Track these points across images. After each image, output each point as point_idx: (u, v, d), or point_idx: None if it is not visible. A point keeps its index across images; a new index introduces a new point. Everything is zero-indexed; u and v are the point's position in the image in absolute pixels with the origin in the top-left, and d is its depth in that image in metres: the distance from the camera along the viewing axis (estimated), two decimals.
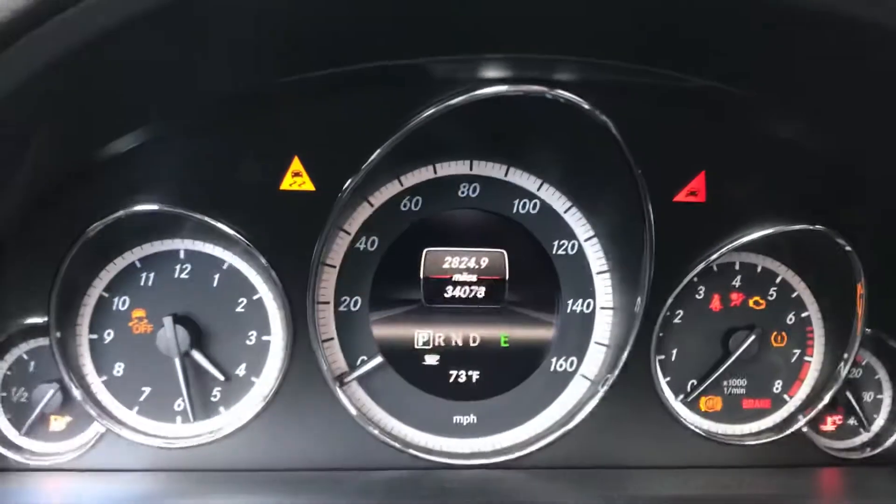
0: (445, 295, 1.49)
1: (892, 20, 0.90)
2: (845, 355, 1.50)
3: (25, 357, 1.39)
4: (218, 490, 1.30)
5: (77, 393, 1.36)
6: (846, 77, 1.14)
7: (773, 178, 1.38)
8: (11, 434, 1.40)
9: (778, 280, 1.53)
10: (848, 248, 1.42)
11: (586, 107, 1.25)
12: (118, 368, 1.41)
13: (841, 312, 1.51)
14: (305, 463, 1.40)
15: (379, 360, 1.44)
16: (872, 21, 0.91)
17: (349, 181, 1.31)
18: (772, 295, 1.53)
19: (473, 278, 1.49)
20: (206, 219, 1.32)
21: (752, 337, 1.48)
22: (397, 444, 1.42)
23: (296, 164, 1.31)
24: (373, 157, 1.29)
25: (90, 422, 1.39)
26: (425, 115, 1.26)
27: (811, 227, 1.40)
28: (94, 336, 1.41)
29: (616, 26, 1.12)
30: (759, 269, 1.52)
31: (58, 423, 1.41)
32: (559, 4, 1.05)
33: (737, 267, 1.51)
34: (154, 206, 1.30)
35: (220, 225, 1.32)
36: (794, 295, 1.53)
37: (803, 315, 1.54)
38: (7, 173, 1.14)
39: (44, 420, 1.40)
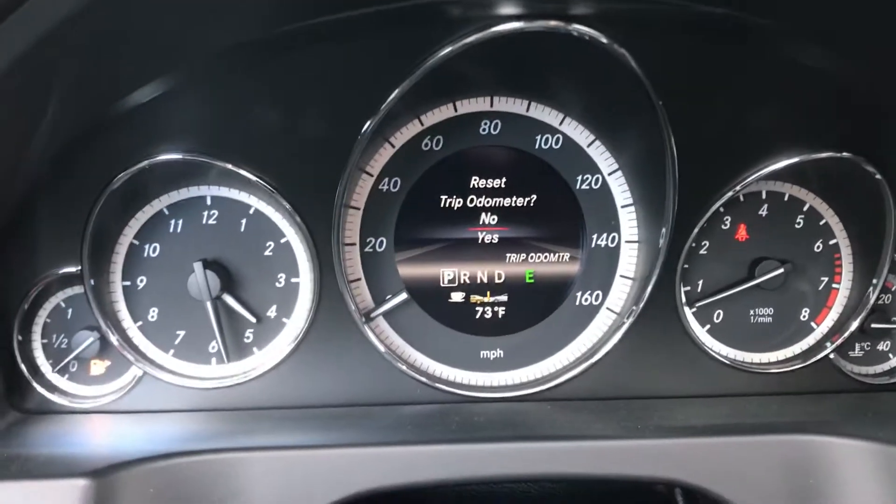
0: (469, 233, 1.50)
1: None
2: (874, 281, 1.49)
3: (63, 305, 1.44)
4: (253, 428, 1.34)
5: (114, 338, 1.40)
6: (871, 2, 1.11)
7: (798, 105, 1.35)
8: (54, 378, 1.45)
9: (805, 208, 1.51)
10: (877, 176, 1.40)
11: (604, 40, 1.23)
12: (152, 313, 1.45)
13: (869, 239, 1.50)
14: (336, 399, 1.44)
15: (404, 295, 1.46)
16: None
17: (369, 122, 1.31)
18: (799, 223, 1.52)
19: (497, 216, 1.50)
20: (230, 166, 1.33)
21: (780, 270, 1.48)
22: (425, 379, 1.45)
23: None
24: (391, 97, 1.29)
25: (128, 366, 1.44)
26: (443, 53, 1.24)
27: (838, 155, 1.38)
28: (128, 283, 1.44)
29: None
30: (786, 198, 1.51)
31: (97, 367, 1.46)
32: None
33: (763, 196, 1.50)
34: (178, 155, 1.32)
35: (243, 171, 1.34)
36: (821, 223, 1.52)
37: (831, 242, 1.53)
38: (33, 124, 1.16)
39: (84, 365, 1.46)
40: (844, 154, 1.38)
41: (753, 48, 1.26)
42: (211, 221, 1.44)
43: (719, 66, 1.29)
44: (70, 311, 1.44)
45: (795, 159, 1.38)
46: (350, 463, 1.18)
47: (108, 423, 1.38)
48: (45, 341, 1.44)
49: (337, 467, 1.18)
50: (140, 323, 1.45)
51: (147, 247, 1.44)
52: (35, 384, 1.42)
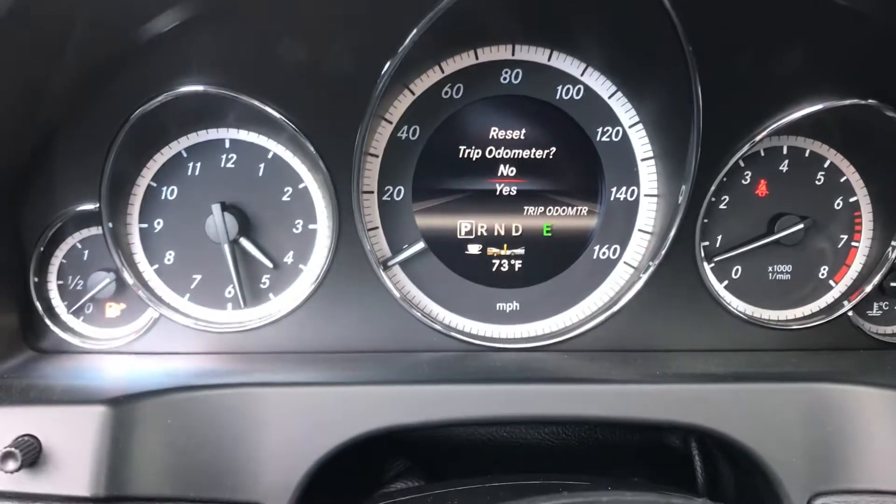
0: (487, 185, 1.49)
1: None
2: (893, 241, 1.49)
3: (79, 246, 1.44)
4: (269, 367, 1.34)
5: (130, 280, 1.40)
6: None
7: (826, 49, 1.33)
8: (69, 319, 1.45)
9: (826, 164, 1.50)
10: None
11: None
12: (169, 257, 1.45)
13: (890, 197, 1.49)
14: (352, 345, 1.43)
15: (421, 244, 1.45)
16: None
17: (388, 64, 1.30)
18: (819, 179, 1.51)
19: (516, 168, 1.49)
20: (252, 101, 1.32)
21: (800, 225, 1.47)
22: (440, 328, 1.45)
23: None
24: (409, 38, 1.28)
25: (144, 308, 1.44)
26: None
27: (863, 102, 1.37)
28: (145, 225, 1.44)
29: None
30: (806, 154, 1.50)
31: (113, 309, 1.46)
32: None
33: (784, 151, 1.49)
34: (198, 88, 1.31)
35: (265, 108, 1.33)
36: (842, 179, 1.51)
37: (851, 200, 1.52)
38: (52, 55, 1.16)
39: (100, 306, 1.45)
40: (870, 101, 1.36)
41: None
42: (229, 165, 1.43)
43: (749, 5, 1.27)
44: (86, 252, 1.44)
45: (819, 106, 1.36)
46: (366, 400, 1.18)
47: (125, 361, 1.38)
48: (60, 282, 1.44)
49: (353, 404, 1.17)
50: (156, 266, 1.45)
51: (165, 189, 1.43)
52: (50, 324, 1.42)
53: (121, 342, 1.43)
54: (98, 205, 1.35)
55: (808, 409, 1.20)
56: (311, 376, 1.27)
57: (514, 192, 1.50)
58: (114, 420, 1.07)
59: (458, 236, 1.51)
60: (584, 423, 1.38)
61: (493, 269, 1.52)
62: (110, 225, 1.38)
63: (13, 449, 0.99)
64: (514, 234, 1.51)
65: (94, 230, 1.42)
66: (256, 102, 1.32)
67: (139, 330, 1.43)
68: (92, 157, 1.34)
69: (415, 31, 1.28)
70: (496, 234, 1.51)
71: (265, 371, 1.31)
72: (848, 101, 1.36)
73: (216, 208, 1.39)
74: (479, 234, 1.51)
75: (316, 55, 1.30)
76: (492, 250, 1.52)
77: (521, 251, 1.52)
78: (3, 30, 1.01)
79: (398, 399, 1.18)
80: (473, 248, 1.52)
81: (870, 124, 1.40)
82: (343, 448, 1.15)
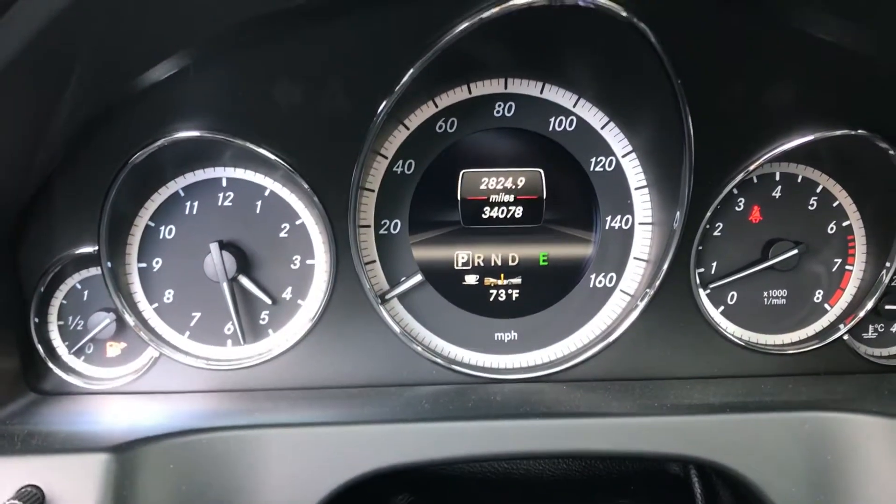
0: (483, 216, 1.50)
1: None
2: (887, 263, 1.49)
3: (79, 287, 1.45)
4: (270, 406, 1.34)
5: (130, 320, 1.41)
6: None
7: (814, 82, 1.34)
8: (70, 360, 1.46)
9: (819, 189, 1.51)
10: (891, 152, 1.40)
11: (623, 14, 1.23)
12: (168, 295, 1.46)
13: (883, 220, 1.50)
14: (352, 380, 1.44)
15: (419, 277, 1.47)
16: None
17: (384, 103, 1.31)
18: (812, 204, 1.52)
19: (511, 198, 1.50)
20: (247, 144, 1.33)
21: (794, 251, 1.48)
22: (440, 361, 1.45)
23: None
24: (406, 76, 1.29)
25: (144, 347, 1.45)
26: (458, 29, 1.24)
27: (853, 132, 1.38)
28: (144, 265, 1.45)
29: None
30: (799, 179, 1.51)
31: (113, 349, 1.47)
32: None
33: (777, 177, 1.50)
34: (195, 133, 1.32)
35: (260, 150, 1.34)
36: (835, 204, 1.52)
37: (844, 224, 1.53)
38: (51, 102, 1.17)
39: (100, 347, 1.46)
40: (859, 131, 1.38)
41: (772, 21, 1.25)
42: (227, 203, 1.44)
43: (738, 41, 1.28)
44: (86, 292, 1.45)
45: (810, 137, 1.37)
46: (367, 440, 1.19)
47: (126, 403, 1.39)
48: (61, 323, 1.45)
49: (353, 444, 1.18)
50: (156, 305, 1.46)
51: (163, 228, 1.44)
52: (51, 365, 1.43)
53: (122, 382, 1.44)
54: (97, 247, 1.36)
55: (806, 438, 1.22)
56: (311, 415, 1.28)
57: (510, 223, 1.51)
58: (116, 467, 1.08)
59: (456, 267, 1.52)
60: (584, 457, 1.39)
61: (491, 298, 1.53)
62: (109, 265, 1.39)
63: (16, 501, 1.00)
64: (510, 263, 1.53)
65: (94, 270, 1.43)
66: (251, 145, 1.33)
67: (140, 369, 1.44)
68: (90, 200, 1.35)
69: (412, 69, 1.29)
70: (493, 264, 1.52)
71: (266, 410, 1.32)
72: (839, 132, 1.37)
73: (214, 247, 1.40)
74: (476, 264, 1.52)
75: (311, 96, 1.31)
76: (489, 280, 1.53)
77: (518, 280, 1.53)
78: (4, 78, 1.02)
79: (399, 438, 1.19)
80: (471, 279, 1.53)
81: (861, 152, 1.42)
82: (345, 487, 1.15)
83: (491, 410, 1.29)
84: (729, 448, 1.21)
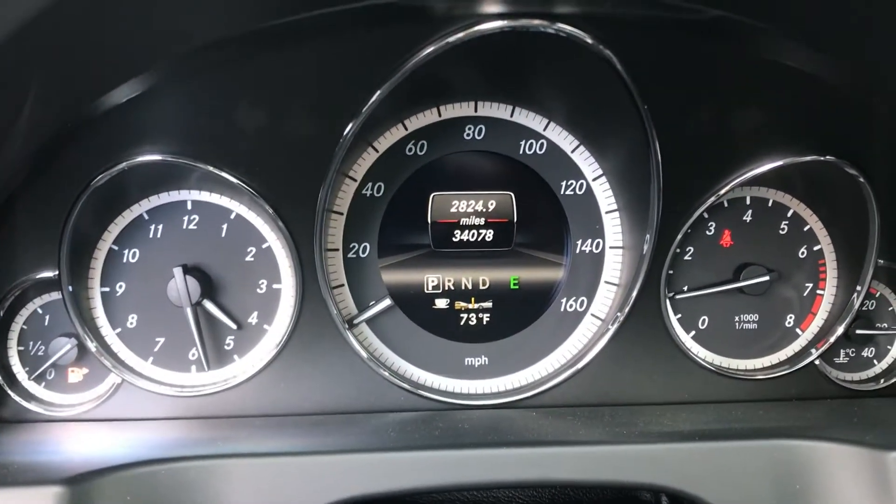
0: (454, 239, 1.49)
1: None
2: (858, 287, 1.49)
3: (40, 311, 1.42)
4: (233, 435, 1.31)
5: (92, 345, 1.38)
6: (858, 5, 1.11)
7: (783, 108, 1.35)
8: (30, 386, 1.42)
9: (789, 214, 1.51)
10: (860, 179, 1.40)
11: (589, 41, 1.22)
12: (131, 320, 1.43)
13: (853, 244, 1.50)
14: (318, 407, 1.42)
15: (388, 301, 1.45)
16: None
17: (351, 125, 1.30)
18: (783, 229, 1.51)
19: (481, 221, 1.49)
20: (210, 168, 1.31)
21: (766, 277, 1.47)
22: (408, 386, 1.43)
23: None
24: (373, 98, 1.28)
25: (106, 373, 1.42)
26: (425, 53, 1.23)
27: (822, 159, 1.38)
28: (107, 289, 1.42)
29: None
30: (770, 203, 1.51)
31: (75, 375, 1.44)
32: None
33: (748, 201, 1.50)
34: (156, 157, 1.30)
35: (223, 174, 1.32)
36: (805, 228, 1.52)
37: (815, 248, 1.53)
38: (8, 124, 1.14)
39: (62, 372, 1.43)
40: (828, 157, 1.38)
41: (739, 50, 1.25)
42: (191, 226, 1.42)
43: (705, 68, 1.29)
44: (47, 317, 1.42)
45: (779, 163, 1.37)
46: (331, 470, 1.16)
47: (86, 431, 1.36)
48: (21, 348, 1.42)
49: (318, 474, 1.15)
50: (119, 330, 1.43)
51: (126, 252, 1.42)
52: (10, 392, 1.39)
53: (83, 408, 1.41)
54: (58, 272, 1.33)
55: (776, 467, 1.20)
56: (275, 445, 1.25)
57: (481, 246, 1.50)
58: (71, 501, 1.04)
59: (426, 291, 1.50)
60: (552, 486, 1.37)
61: (462, 322, 1.51)
62: (70, 290, 1.36)
63: None
64: (481, 287, 1.51)
65: (56, 295, 1.40)
66: (213, 169, 1.31)
67: (102, 395, 1.41)
68: (51, 223, 1.32)
69: (379, 92, 1.28)
70: (464, 287, 1.51)
71: (229, 439, 1.29)
72: (808, 158, 1.38)
73: (178, 272, 1.38)
74: (446, 288, 1.51)
75: (276, 119, 1.30)
76: (459, 304, 1.51)
77: (488, 304, 1.51)
78: None
79: (364, 468, 1.17)
80: (441, 303, 1.51)
81: (830, 178, 1.42)
82: None
83: (458, 439, 1.27)
84: (698, 477, 1.19)
